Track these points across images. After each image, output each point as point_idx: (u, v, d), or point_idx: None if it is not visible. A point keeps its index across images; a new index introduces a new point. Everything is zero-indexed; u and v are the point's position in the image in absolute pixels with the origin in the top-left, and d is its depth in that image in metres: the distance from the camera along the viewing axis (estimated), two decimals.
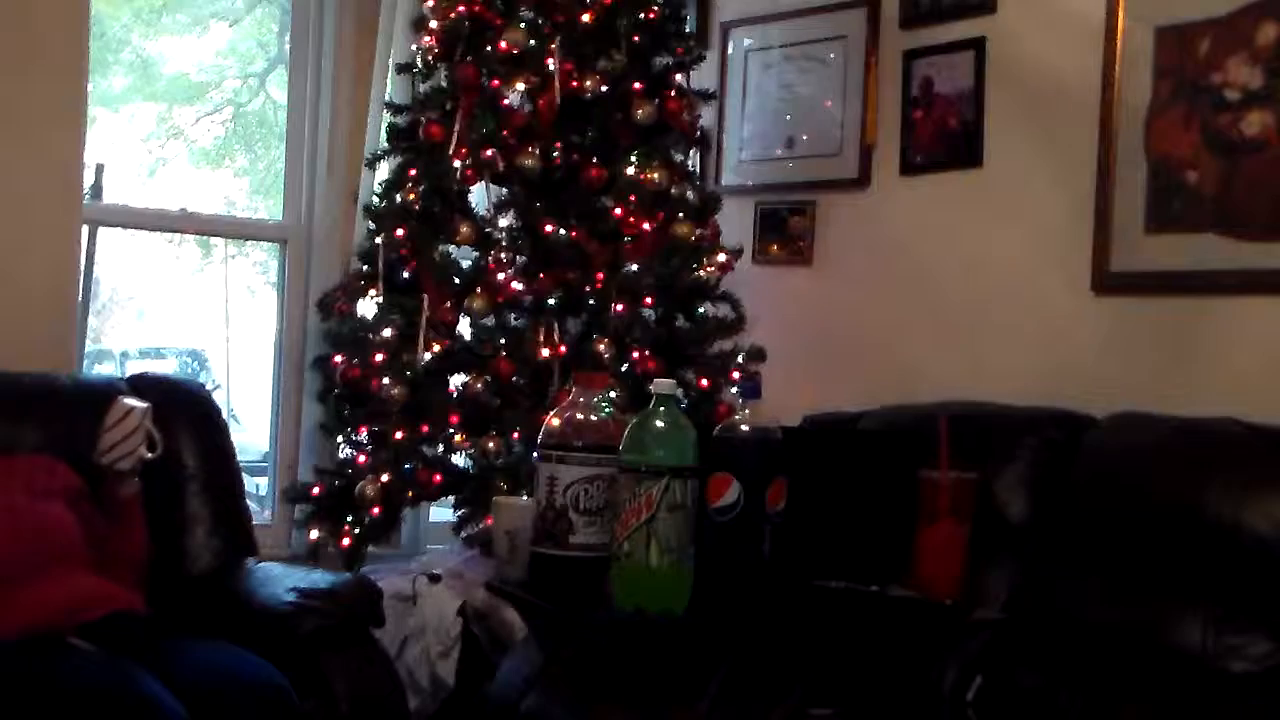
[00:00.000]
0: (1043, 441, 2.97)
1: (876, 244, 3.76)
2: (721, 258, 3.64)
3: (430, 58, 3.64)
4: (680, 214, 3.54)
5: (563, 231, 3.48)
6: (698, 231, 3.58)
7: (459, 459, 3.61)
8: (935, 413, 2.88)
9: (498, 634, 3.31)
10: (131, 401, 2.70)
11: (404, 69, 3.78)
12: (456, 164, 3.49)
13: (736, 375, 3.47)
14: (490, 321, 3.54)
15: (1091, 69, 3.26)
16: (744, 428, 1.95)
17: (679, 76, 3.71)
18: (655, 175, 3.48)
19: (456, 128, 3.50)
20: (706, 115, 3.93)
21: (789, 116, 3.97)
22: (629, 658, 2.13)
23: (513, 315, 3.59)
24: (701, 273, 3.60)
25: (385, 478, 3.45)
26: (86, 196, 3.63)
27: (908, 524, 2.23)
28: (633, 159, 3.50)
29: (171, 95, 5.20)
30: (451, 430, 3.50)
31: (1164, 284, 3.12)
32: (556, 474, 1.94)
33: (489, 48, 3.50)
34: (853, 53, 3.81)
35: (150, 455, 2.72)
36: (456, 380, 3.57)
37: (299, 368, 3.95)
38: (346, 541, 3.53)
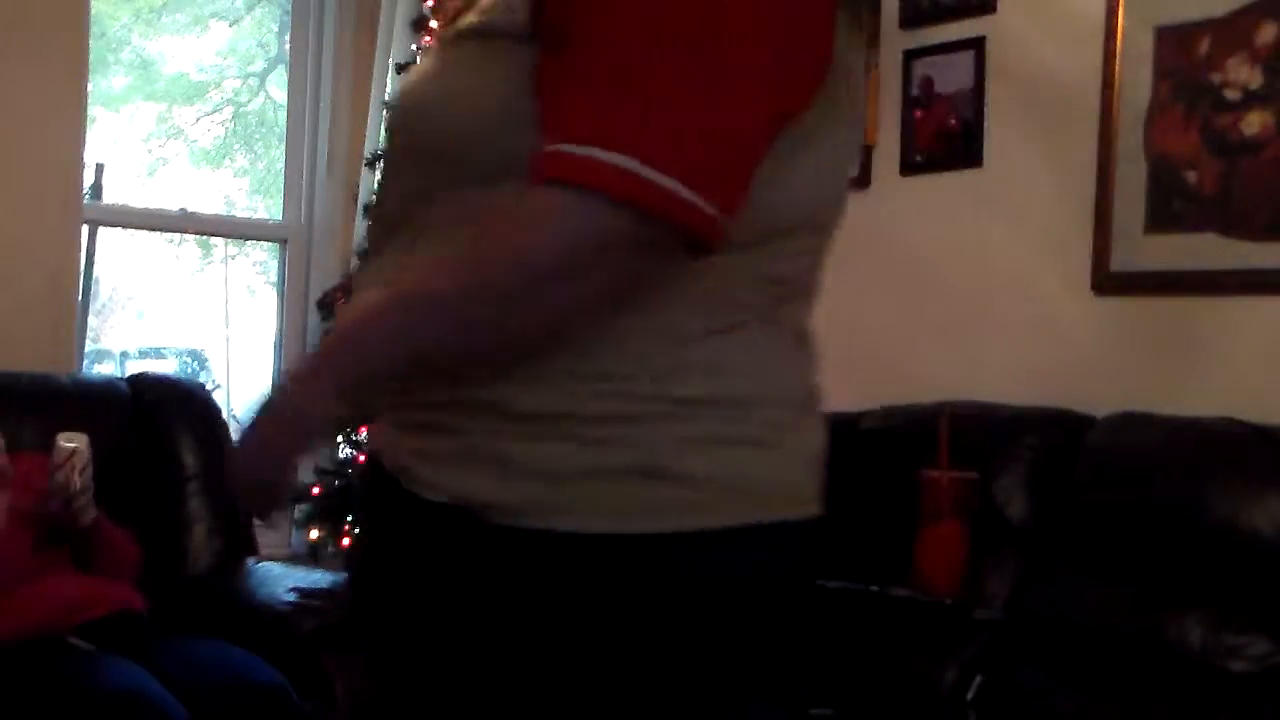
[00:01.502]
0: (1043, 441, 2.97)
1: (876, 244, 3.76)
2: None
3: None
4: None
5: None
6: None
7: None
8: (935, 413, 2.88)
9: None
10: (71, 439, 2.65)
11: (404, 69, 3.78)
12: None
13: None
14: None
15: (1091, 69, 3.25)
16: None
17: None
18: None
19: None
20: None
21: None
22: None
23: None
24: None
25: None
26: (86, 196, 3.63)
27: (908, 524, 2.23)
28: None
29: (171, 95, 5.20)
30: None
31: (1164, 284, 3.12)
32: None
33: None
34: None
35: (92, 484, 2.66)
36: None
37: None
38: (346, 541, 3.53)
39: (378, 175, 3.79)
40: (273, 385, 1.11)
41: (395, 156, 1.15)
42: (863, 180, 3.78)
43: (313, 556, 3.65)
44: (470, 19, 1.07)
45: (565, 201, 0.95)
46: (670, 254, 0.98)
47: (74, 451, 2.60)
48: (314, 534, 3.62)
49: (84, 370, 3.80)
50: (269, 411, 1.07)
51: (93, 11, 3.49)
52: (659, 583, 1.03)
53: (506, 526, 1.02)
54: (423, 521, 1.07)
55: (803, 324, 1.14)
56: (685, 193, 0.94)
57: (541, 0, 1.00)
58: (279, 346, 4.05)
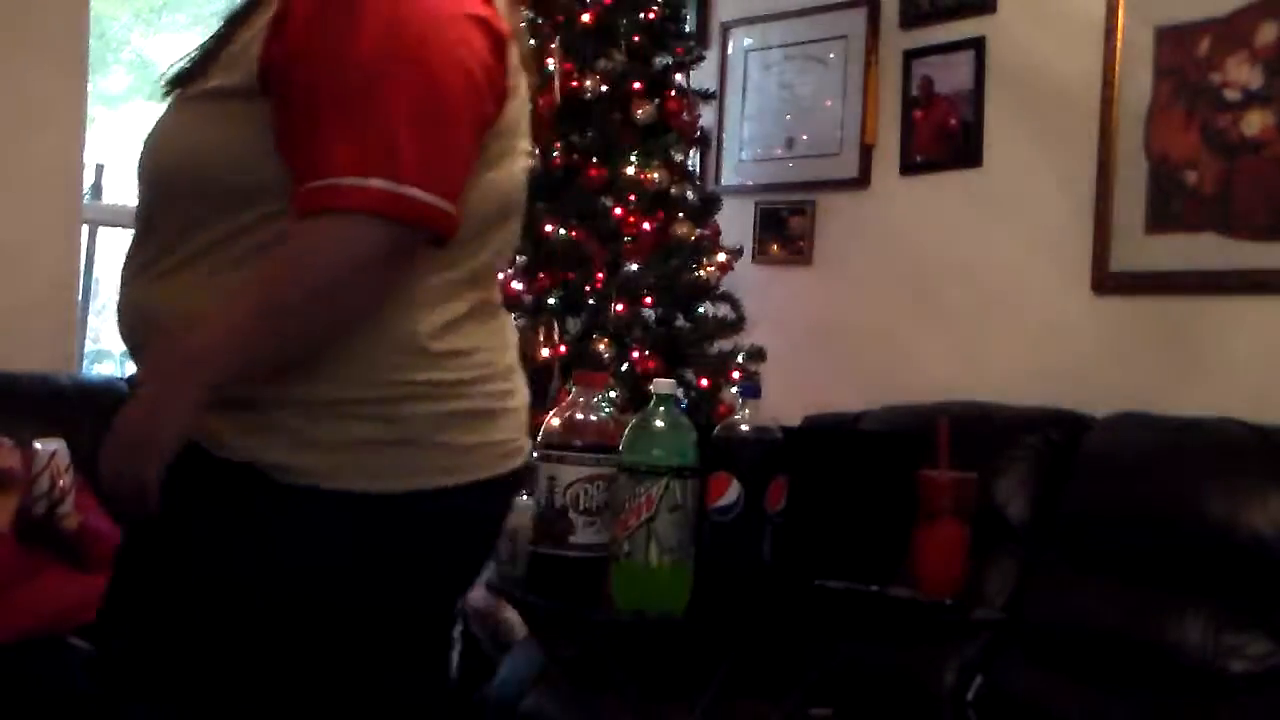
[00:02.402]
0: (1043, 441, 2.97)
1: (876, 244, 3.76)
2: (721, 258, 3.64)
3: None
4: (680, 214, 3.54)
5: (563, 231, 3.48)
6: (698, 231, 3.58)
7: None
8: (935, 413, 2.88)
9: (498, 634, 3.31)
10: (47, 445, 2.64)
11: None
12: None
13: (736, 375, 3.47)
14: None
15: (1091, 69, 3.26)
16: (744, 428, 1.95)
17: (679, 76, 3.71)
18: (655, 175, 3.48)
19: None
20: (706, 115, 3.93)
21: (789, 116, 3.97)
22: (629, 658, 2.13)
23: (513, 315, 3.58)
24: (701, 273, 3.60)
25: None
26: (86, 196, 3.63)
27: (908, 524, 2.22)
28: (633, 159, 3.50)
29: None
30: None
31: (1164, 284, 3.13)
32: (556, 474, 1.93)
33: None
34: (853, 53, 3.81)
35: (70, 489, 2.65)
36: None
37: None
38: None
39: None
40: (129, 395, 1.31)
41: (158, 195, 1.37)
42: (863, 180, 3.78)
43: None
44: (208, 84, 1.34)
45: (344, 224, 1.22)
46: (418, 249, 1.26)
47: (54, 454, 2.60)
48: None
49: (84, 370, 3.80)
50: (130, 423, 1.25)
51: (93, 11, 3.49)
52: (412, 527, 1.31)
53: (290, 484, 1.27)
54: (212, 476, 1.28)
55: (497, 297, 1.44)
56: (429, 198, 1.23)
57: (265, 70, 1.27)
58: None
